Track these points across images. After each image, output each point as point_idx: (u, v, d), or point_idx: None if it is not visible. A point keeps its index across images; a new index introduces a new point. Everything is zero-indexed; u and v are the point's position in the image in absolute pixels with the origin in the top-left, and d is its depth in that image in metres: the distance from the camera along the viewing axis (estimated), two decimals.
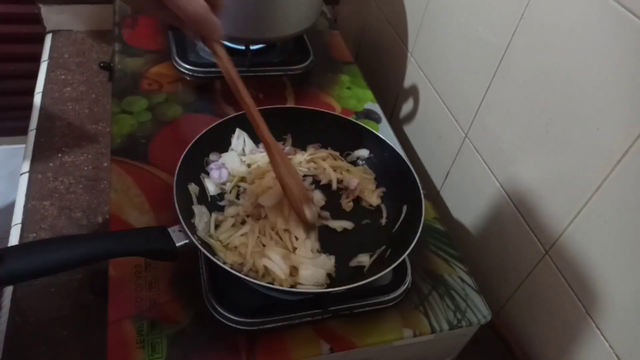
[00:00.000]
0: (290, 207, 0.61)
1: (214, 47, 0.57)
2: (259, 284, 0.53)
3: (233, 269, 0.52)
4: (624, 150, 0.50)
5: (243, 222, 0.62)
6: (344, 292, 0.57)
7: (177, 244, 0.53)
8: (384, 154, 0.70)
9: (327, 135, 0.73)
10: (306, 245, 0.59)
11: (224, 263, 0.54)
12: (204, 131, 0.65)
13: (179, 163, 0.60)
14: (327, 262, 0.59)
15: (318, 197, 0.67)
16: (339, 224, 0.65)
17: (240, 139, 0.69)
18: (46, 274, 0.46)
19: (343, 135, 0.72)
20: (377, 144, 0.71)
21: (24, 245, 0.47)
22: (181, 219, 0.54)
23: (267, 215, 0.62)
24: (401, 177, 0.67)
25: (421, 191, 0.63)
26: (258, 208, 0.63)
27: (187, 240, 0.53)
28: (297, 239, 0.60)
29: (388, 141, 0.70)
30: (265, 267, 0.56)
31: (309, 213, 0.60)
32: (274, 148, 0.61)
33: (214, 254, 0.55)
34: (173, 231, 0.54)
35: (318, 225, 0.64)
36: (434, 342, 0.62)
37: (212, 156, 0.68)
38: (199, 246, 0.53)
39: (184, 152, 0.62)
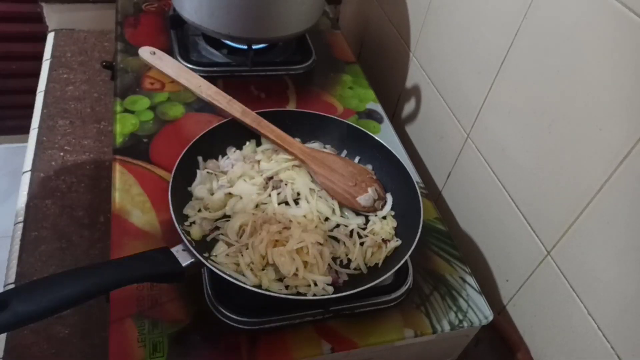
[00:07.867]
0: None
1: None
2: (264, 293, 0.53)
3: (239, 281, 0.52)
4: (626, 151, 0.50)
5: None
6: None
7: (183, 265, 0.52)
8: (380, 155, 0.70)
9: (326, 137, 0.73)
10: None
11: (235, 279, 0.53)
12: (198, 136, 0.65)
13: (174, 169, 0.60)
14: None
15: (370, 194, 0.67)
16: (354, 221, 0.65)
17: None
18: (54, 312, 0.44)
19: (342, 137, 0.72)
20: (374, 147, 0.70)
21: (28, 285, 0.45)
22: (183, 237, 0.53)
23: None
24: (400, 178, 0.67)
25: (419, 192, 0.63)
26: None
27: (192, 259, 0.52)
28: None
29: (385, 143, 0.69)
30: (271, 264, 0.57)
31: (362, 201, 0.65)
32: (307, 160, 0.65)
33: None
34: (177, 251, 0.52)
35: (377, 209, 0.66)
36: (435, 343, 0.62)
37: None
38: (209, 265, 0.52)
39: (180, 156, 0.62)
